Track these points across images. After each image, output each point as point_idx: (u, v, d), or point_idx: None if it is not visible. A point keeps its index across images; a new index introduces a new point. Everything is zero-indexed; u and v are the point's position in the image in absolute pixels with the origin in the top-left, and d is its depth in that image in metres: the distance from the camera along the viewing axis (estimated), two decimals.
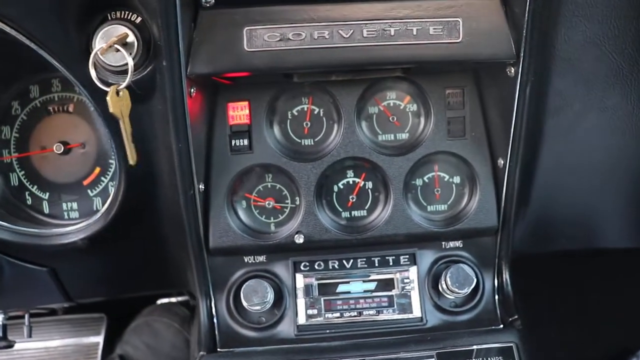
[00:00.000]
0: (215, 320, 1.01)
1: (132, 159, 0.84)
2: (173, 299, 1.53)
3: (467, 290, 1.01)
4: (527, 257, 1.14)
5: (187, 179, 0.92)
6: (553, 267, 1.64)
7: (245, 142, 0.99)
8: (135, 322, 1.47)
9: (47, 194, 1.08)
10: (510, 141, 0.97)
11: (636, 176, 1.09)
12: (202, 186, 0.97)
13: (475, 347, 0.96)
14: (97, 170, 1.07)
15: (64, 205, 1.08)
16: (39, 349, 1.51)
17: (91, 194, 1.08)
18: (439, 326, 1.01)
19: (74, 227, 1.04)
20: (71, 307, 1.54)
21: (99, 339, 1.52)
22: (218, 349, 0.99)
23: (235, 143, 1.00)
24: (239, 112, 1.00)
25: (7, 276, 1.08)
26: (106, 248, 1.06)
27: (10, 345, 1.15)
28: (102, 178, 1.07)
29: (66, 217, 1.08)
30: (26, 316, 1.21)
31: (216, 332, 1.00)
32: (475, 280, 1.01)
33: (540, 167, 1.03)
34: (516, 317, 1.03)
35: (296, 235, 0.99)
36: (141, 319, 1.47)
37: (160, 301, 1.51)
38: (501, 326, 1.03)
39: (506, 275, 1.06)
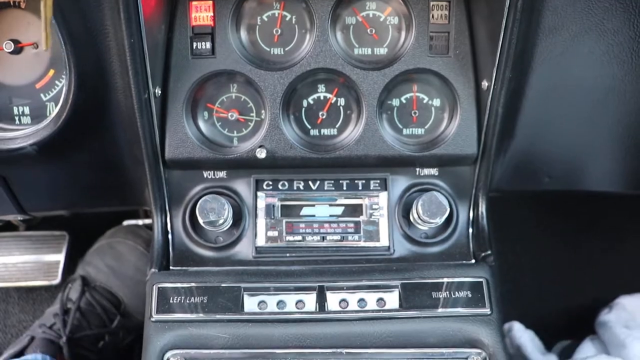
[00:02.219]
0: (170, 237, 0.96)
1: (45, 45, 0.77)
2: (139, 222, 1.49)
3: (439, 221, 0.96)
4: (506, 196, 1.09)
5: (141, 81, 0.86)
6: (531, 208, 1.61)
7: (208, 45, 0.93)
8: (98, 243, 1.43)
9: None
10: (497, 61, 0.90)
11: (626, 115, 1.03)
12: (158, 91, 0.91)
13: (444, 279, 0.92)
14: (51, 72, 1.01)
15: (15, 109, 1.02)
16: None
17: (44, 99, 1.01)
18: (406, 257, 0.97)
19: (23, 131, 0.99)
20: (32, 224, 1.51)
21: (60, 257, 1.49)
22: (171, 267, 0.95)
23: (196, 46, 0.93)
24: (202, 13, 0.93)
25: None
26: (58, 157, 1.01)
27: None
28: (57, 82, 1.00)
29: (17, 121, 1.02)
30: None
31: (170, 250, 0.96)
32: (448, 210, 0.96)
33: (528, 94, 0.97)
34: (489, 252, 0.98)
35: (258, 150, 0.93)
36: (104, 241, 1.43)
37: (125, 223, 1.47)
38: (473, 261, 0.98)
39: (482, 209, 1.01)
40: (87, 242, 1.44)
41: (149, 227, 1.45)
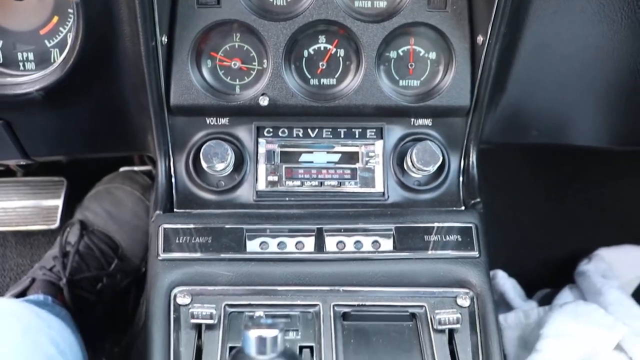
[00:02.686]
0: (173, 181, 1.01)
1: None
2: (135, 168, 1.53)
3: (432, 169, 1.02)
4: (494, 149, 1.15)
5: (149, 28, 0.89)
6: (517, 162, 1.67)
7: None
8: (96, 188, 1.47)
9: (1, 42, 1.04)
10: (492, 17, 0.94)
11: (613, 73, 1.09)
12: (165, 38, 0.94)
13: (435, 224, 0.98)
14: (55, 19, 1.03)
15: (19, 55, 1.05)
16: None
17: (48, 45, 1.04)
18: (400, 203, 1.03)
19: (29, 77, 1.01)
20: (30, 169, 1.54)
21: (59, 203, 1.53)
22: (175, 209, 0.99)
23: None
24: None
25: None
26: (63, 103, 1.04)
27: None
28: (61, 28, 1.03)
29: (22, 67, 1.05)
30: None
31: (173, 193, 1.01)
32: (441, 158, 1.01)
33: (520, 50, 1.01)
34: (478, 200, 1.04)
35: (261, 97, 0.98)
36: (102, 186, 1.47)
37: (122, 169, 1.51)
38: (462, 208, 1.04)
39: (473, 158, 1.06)
40: (84, 188, 1.48)
41: (146, 174, 1.49)
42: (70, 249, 1.36)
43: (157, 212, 0.97)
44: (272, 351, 0.63)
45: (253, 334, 0.63)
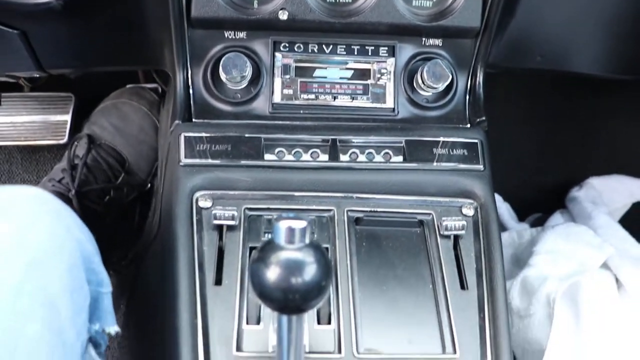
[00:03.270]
0: (191, 92, 1.05)
1: None
2: (142, 85, 1.56)
3: (441, 87, 1.07)
4: (497, 75, 1.20)
5: None
6: (517, 91, 1.73)
7: None
8: (103, 103, 1.51)
9: None
10: None
11: (618, 2, 1.13)
12: None
13: (442, 139, 1.04)
14: None
15: None
16: (5, 124, 1.55)
17: None
18: (409, 119, 1.08)
19: None
20: (38, 85, 1.57)
21: (67, 118, 1.56)
22: (193, 120, 1.04)
23: None
24: None
25: None
26: (82, 13, 1.07)
27: None
28: None
29: None
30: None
31: (191, 104, 1.05)
32: (450, 77, 1.06)
33: None
34: (484, 118, 1.10)
35: (280, 11, 1.01)
36: (109, 101, 1.50)
37: (129, 86, 1.54)
38: (468, 125, 1.10)
39: (480, 79, 1.11)
40: (92, 104, 1.51)
41: (153, 90, 1.53)
42: (79, 162, 1.40)
43: (177, 121, 1.02)
44: (300, 241, 0.69)
45: (283, 224, 0.69)
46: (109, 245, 1.50)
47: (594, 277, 1.27)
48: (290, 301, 0.69)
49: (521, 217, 1.65)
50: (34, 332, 0.68)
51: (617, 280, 1.29)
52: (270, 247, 0.70)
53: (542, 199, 1.70)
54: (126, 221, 1.56)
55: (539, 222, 1.60)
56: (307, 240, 0.70)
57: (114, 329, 0.87)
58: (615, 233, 1.46)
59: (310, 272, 0.68)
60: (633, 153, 1.81)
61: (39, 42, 1.12)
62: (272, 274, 0.68)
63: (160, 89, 1.54)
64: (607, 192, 1.72)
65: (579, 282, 1.24)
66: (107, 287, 0.86)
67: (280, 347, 0.73)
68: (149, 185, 1.53)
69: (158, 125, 1.48)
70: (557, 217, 1.59)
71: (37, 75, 1.25)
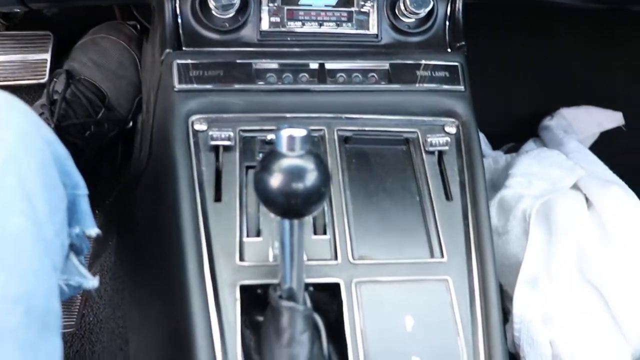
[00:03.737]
0: (179, 21, 1.09)
1: None
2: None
3: (423, 13, 1.12)
4: (479, 3, 1.25)
5: None
6: (490, 25, 1.78)
7: None
8: (82, 39, 1.52)
9: None
10: None
11: None
12: None
13: (424, 61, 1.10)
14: None
15: None
16: None
17: None
18: (392, 44, 1.13)
19: None
20: (12, 24, 1.57)
21: (47, 56, 1.57)
22: (183, 48, 1.08)
23: None
24: None
25: None
26: None
27: None
28: None
29: None
30: None
31: (180, 33, 1.08)
32: (431, 3, 1.12)
33: None
34: (463, 43, 1.16)
35: None
36: (87, 37, 1.52)
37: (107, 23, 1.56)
38: (449, 50, 1.16)
39: (459, 5, 1.17)
40: (71, 42, 1.53)
41: (132, 27, 1.54)
42: (57, 97, 1.42)
43: (168, 50, 1.06)
44: (301, 149, 0.75)
45: (285, 132, 0.74)
46: (92, 182, 1.54)
47: (565, 196, 1.36)
48: (292, 206, 0.75)
49: (495, 147, 1.73)
50: (16, 225, 0.70)
51: (587, 199, 1.38)
52: (272, 155, 0.75)
53: (515, 129, 1.78)
54: (108, 159, 1.60)
55: (513, 150, 1.68)
56: (307, 149, 0.75)
57: (94, 230, 0.89)
58: (585, 157, 1.55)
59: (310, 178, 0.74)
60: (602, 85, 1.90)
61: None
62: (275, 180, 0.74)
63: (138, 26, 1.55)
64: (576, 122, 1.81)
65: (552, 200, 1.33)
66: (83, 190, 0.88)
67: (283, 252, 0.79)
68: (131, 123, 1.56)
69: (137, 61, 1.50)
70: (530, 145, 1.67)
71: (17, 11, 1.26)
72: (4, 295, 0.66)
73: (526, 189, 1.36)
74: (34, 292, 0.70)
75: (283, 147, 0.75)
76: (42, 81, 1.57)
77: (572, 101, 1.84)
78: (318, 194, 0.75)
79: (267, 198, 0.76)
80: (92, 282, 0.85)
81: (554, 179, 1.40)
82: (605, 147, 1.77)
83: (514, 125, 1.80)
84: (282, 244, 0.79)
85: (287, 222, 0.78)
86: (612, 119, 1.85)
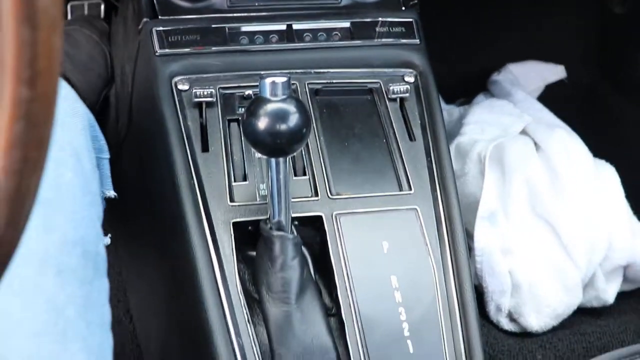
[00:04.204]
0: None
1: None
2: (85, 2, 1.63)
3: None
4: None
5: None
6: None
7: None
8: None
9: None
10: None
11: None
12: None
13: (381, 19, 1.21)
14: None
15: None
16: None
17: None
18: (351, 5, 1.24)
19: None
20: None
21: None
22: (159, 17, 1.17)
23: None
24: None
25: None
26: None
27: None
28: None
29: None
30: None
31: (155, 2, 1.17)
32: None
33: None
34: (416, 1, 1.28)
35: None
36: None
37: (71, 3, 1.61)
38: (403, 8, 1.27)
39: None
40: None
41: (104, 20, 1.61)
42: None
43: (145, 19, 1.14)
44: (283, 94, 0.86)
45: (268, 80, 0.85)
46: None
47: (515, 140, 1.50)
48: (278, 145, 0.86)
49: (448, 102, 1.86)
50: (69, 178, 0.81)
51: (535, 143, 1.52)
52: (258, 101, 0.86)
53: (465, 86, 1.91)
54: None
55: (465, 104, 1.81)
56: (289, 93, 0.86)
57: (112, 192, 1.00)
58: (531, 105, 1.69)
59: (293, 119, 0.85)
60: (546, 39, 2.04)
61: None
62: (262, 123, 0.85)
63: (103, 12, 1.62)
64: (523, 76, 1.95)
65: (504, 144, 1.47)
66: (106, 154, 0.99)
67: (271, 188, 0.90)
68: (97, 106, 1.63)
69: (108, 55, 1.56)
70: (480, 97, 1.81)
71: None
72: (65, 239, 0.76)
73: (479, 134, 1.50)
74: (87, 237, 0.81)
75: (267, 93, 0.85)
76: None
77: (518, 57, 1.98)
78: (300, 134, 0.86)
79: (255, 139, 0.86)
80: (105, 240, 0.95)
81: (505, 125, 1.54)
82: (549, 99, 1.92)
83: (465, 81, 1.93)
84: (270, 180, 0.90)
85: (273, 161, 0.88)
86: (555, 72, 2.00)
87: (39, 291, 0.73)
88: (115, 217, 1.49)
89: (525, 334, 1.41)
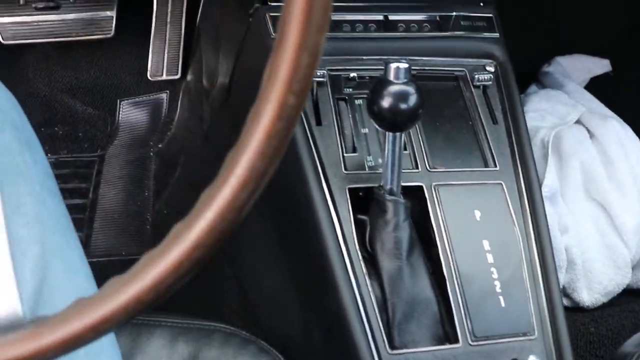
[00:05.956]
0: None
1: None
2: None
3: None
4: None
5: None
6: None
7: None
8: None
9: None
10: None
11: None
12: None
13: (464, 13, 1.38)
14: None
15: None
16: (55, 21, 1.76)
17: None
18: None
19: None
20: None
21: (112, 13, 1.79)
22: (268, 2, 1.33)
23: None
24: None
25: None
26: None
27: (57, 7, 1.41)
28: None
29: None
30: None
31: None
32: None
33: None
34: None
35: None
36: None
37: None
38: (482, 4, 1.44)
39: None
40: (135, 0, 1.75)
41: None
42: None
43: (256, 4, 1.31)
44: (404, 78, 1.03)
45: (393, 65, 1.02)
46: None
47: (571, 128, 1.68)
48: (398, 121, 1.03)
49: None
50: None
51: (588, 132, 1.70)
52: (383, 83, 1.03)
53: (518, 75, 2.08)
54: None
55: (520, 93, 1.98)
56: (409, 77, 1.03)
57: None
58: (583, 96, 1.87)
59: (412, 99, 1.02)
60: (591, 35, 2.20)
61: None
62: (386, 102, 1.02)
63: None
64: (570, 69, 2.12)
65: (560, 132, 1.64)
66: None
67: (387, 158, 1.07)
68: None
69: None
70: (533, 88, 1.98)
71: None
72: None
73: (540, 122, 1.67)
74: None
75: (391, 76, 1.02)
76: (108, 36, 1.80)
77: (565, 50, 2.14)
78: (417, 113, 1.03)
79: (378, 115, 1.04)
80: None
81: (561, 114, 1.71)
82: (595, 91, 2.08)
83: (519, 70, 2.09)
84: (387, 152, 1.07)
85: (391, 135, 1.06)
86: (601, 65, 2.17)
87: None
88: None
89: (577, 309, 1.59)
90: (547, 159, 1.57)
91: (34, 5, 1.40)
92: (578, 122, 1.72)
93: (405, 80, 1.03)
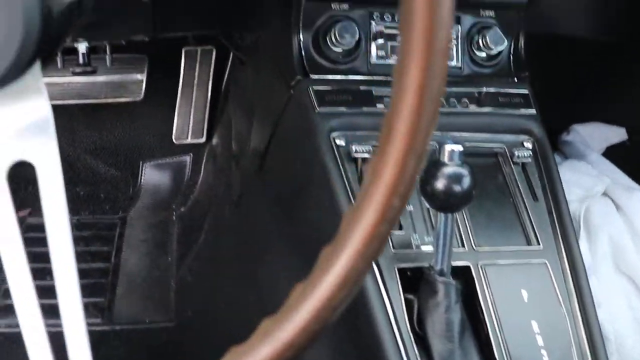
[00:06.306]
0: (303, 53, 1.36)
1: None
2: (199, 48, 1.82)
3: (497, 50, 1.43)
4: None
5: None
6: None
7: None
8: None
9: None
10: None
11: None
12: None
13: (502, 90, 1.41)
14: None
15: None
16: (86, 83, 1.78)
17: None
18: (471, 74, 1.44)
19: None
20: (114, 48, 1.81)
21: (143, 77, 1.81)
22: (310, 75, 1.35)
23: None
24: None
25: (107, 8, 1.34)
26: None
27: (94, 71, 1.43)
28: None
29: None
30: (107, 48, 1.48)
31: (304, 62, 1.36)
32: (505, 41, 1.43)
33: None
34: (527, 74, 1.47)
35: None
36: None
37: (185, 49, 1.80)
38: (516, 79, 1.47)
39: (521, 42, 1.49)
40: (163, 64, 1.77)
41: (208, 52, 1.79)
42: None
43: (298, 77, 1.33)
44: (458, 159, 1.04)
45: (447, 147, 1.03)
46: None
47: (598, 200, 1.69)
48: (451, 203, 1.04)
49: None
50: None
51: (614, 202, 1.71)
52: (437, 164, 1.04)
53: None
54: None
55: None
56: (463, 159, 1.04)
57: None
58: (606, 167, 1.89)
59: (466, 182, 1.03)
60: (612, 103, 2.24)
61: (163, 6, 1.39)
62: (440, 183, 1.03)
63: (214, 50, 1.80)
64: (587, 137, 2.15)
65: (589, 204, 1.66)
66: None
67: (438, 239, 1.08)
68: None
69: None
70: (557, 158, 2.00)
71: (146, 39, 1.51)
72: None
73: (568, 194, 1.69)
74: None
75: (445, 158, 1.04)
76: (138, 99, 1.81)
77: (583, 118, 2.18)
78: (470, 195, 1.04)
79: (432, 196, 1.04)
80: None
81: (587, 186, 1.73)
82: (613, 159, 2.11)
83: None
84: (438, 232, 1.08)
85: (443, 215, 1.06)
86: (617, 134, 2.20)
87: None
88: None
89: None
90: (579, 233, 1.58)
91: (71, 69, 1.42)
92: (604, 194, 1.73)
93: (460, 162, 1.04)
